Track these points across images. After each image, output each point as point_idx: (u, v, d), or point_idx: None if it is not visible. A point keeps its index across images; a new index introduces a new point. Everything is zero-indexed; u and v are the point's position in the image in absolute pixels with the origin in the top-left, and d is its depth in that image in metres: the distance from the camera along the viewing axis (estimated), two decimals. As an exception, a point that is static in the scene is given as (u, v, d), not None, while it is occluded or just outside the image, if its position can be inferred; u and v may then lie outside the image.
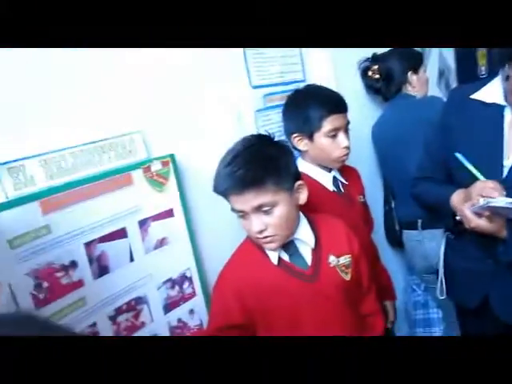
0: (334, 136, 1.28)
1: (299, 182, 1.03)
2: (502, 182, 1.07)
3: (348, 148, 1.31)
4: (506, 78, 1.05)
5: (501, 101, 1.12)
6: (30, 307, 0.86)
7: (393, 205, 1.91)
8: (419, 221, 1.72)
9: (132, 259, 1.05)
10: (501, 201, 0.95)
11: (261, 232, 0.97)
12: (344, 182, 1.40)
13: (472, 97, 1.17)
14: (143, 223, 1.07)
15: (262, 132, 1.33)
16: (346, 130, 1.32)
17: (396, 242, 1.93)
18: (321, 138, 1.28)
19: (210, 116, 1.24)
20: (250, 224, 0.97)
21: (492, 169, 1.10)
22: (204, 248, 1.23)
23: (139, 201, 1.06)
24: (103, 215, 1.00)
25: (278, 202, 0.96)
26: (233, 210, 0.99)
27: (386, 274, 1.56)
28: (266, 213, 0.96)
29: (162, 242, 1.11)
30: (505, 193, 1.01)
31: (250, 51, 1.36)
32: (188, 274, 1.17)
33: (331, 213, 1.21)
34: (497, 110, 1.13)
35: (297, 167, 1.07)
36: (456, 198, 1.14)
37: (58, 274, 0.92)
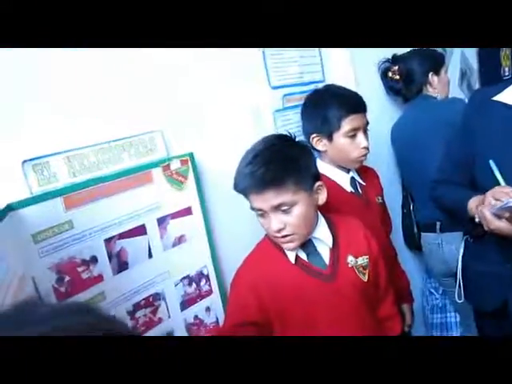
0: (353, 136, 1.28)
1: (319, 183, 1.04)
2: (524, 185, 1.06)
3: (367, 148, 1.31)
4: None
5: (525, 102, 1.10)
6: (52, 300, 0.88)
7: (411, 207, 1.89)
8: (438, 223, 1.70)
9: (151, 256, 1.07)
10: None
11: (279, 231, 0.98)
12: (362, 182, 1.40)
13: (494, 99, 1.15)
14: (162, 221, 1.09)
15: (281, 132, 1.35)
16: (365, 131, 1.32)
17: (414, 244, 1.91)
18: (340, 138, 1.28)
19: (229, 116, 1.26)
20: (269, 223, 0.98)
21: None
22: (221, 246, 1.24)
23: (158, 198, 1.08)
24: (123, 212, 1.02)
25: (297, 202, 0.97)
26: (252, 208, 1.00)
27: (404, 276, 1.55)
28: (285, 212, 0.97)
29: (180, 240, 1.13)
30: None
31: (269, 51, 1.37)
32: (205, 272, 1.19)
33: (349, 213, 1.21)
34: None
35: (317, 168, 1.07)
36: (473, 203, 1.13)
37: (79, 269, 0.94)
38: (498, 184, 1.07)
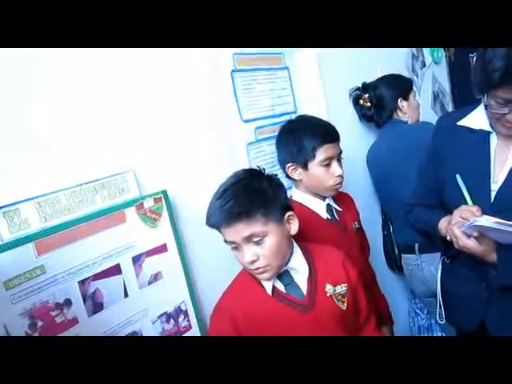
0: (328, 165, 1.32)
1: (289, 213, 1.06)
2: (491, 206, 1.09)
3: (341, 176, 1.34)
4: (486, 107, 1.08)
5: (487, 127, 1.14)
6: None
7: (391, 229, 1.92)
8: (416, 245, 1.73)
9: (126, 295, 1.07)
10: (486, 220, 0.96)
11: (253, 262, 1.00)
12: (338, 209, 1.42)
13: (459, 123, 1.20)
14: (137, 259, 1.09)
15: (255, 164, 1.38)
16: (339, 159, 1.36)
17: (396, 266, 1.93)
18: (315, 167, 1.31)
19: (202, 151, 1.28)
20: (242, 255, 1.00)
21: (481, 194, 1.11)
22: (199, 281, 1.25)
23: (133, 237, 1.09)
24: (97, 253, 1.02)
25: (268, 233, 0.99)
26: (225, 241, 1.02)
27: (382, 299, 1.56)
28: (257, 243, 0.99)
29: (156, 277, 1.13)
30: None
31: (240, 87, 1.41)
32: (183, 307, 1.19)
33: (326, 241, 1.23)
34: (483, 136, 1.15)
35: (286, 199, 1.09)
36: (443, 223, 1.17)
37: (53, 313, 0.94)
38: (466, 203, 1.10)
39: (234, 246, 1.01)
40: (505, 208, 1.06)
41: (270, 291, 1.05)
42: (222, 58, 1.36)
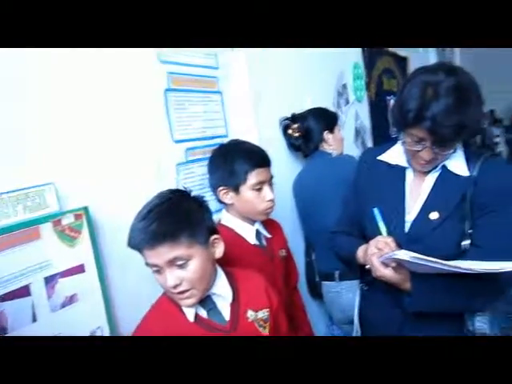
0: (259, 189, 1.33)
1: (215, 236, 1.05)
2: (406, 236, 1.16)
3: (273, 201, 1.36)
4: (403, 143, 1.17)
5: (403, 163, 1.23)
6: None
7: (313, 257, 1.97)
8: (337, 272, 1.79)
9: (35, 319, 0.98)
10: (404, 254, 1.02)
11: (175, 287, 0.96)
12: (267, 235, 1.44)
13: (379, 158, 1.28)
14: (50, 280, 1.01)
15: (184, 185, 1.35)
16: (271, 184, 1.38)
17: (316, 293, 1.97)
18: (246, 191, 1.32)
19: (129, 169, 1.24)
20: (165, 279, 0.96)
21: (396, 225, 1.18)
22: (118, 305, 1.18)
23: (47, 256, 1.01)
24: (6, 272, 0.93)
25: (192, 256, 0.97)
26: (147, 264, 0.97)
27: (308, 325, 1.59)
28: (181, 267, 0.96)
29: (71, 300, 1.05)
30: (395, 248, 1.09)
31: (173, 107, 1.39)
32: (99, 333, 1.11)
33: (252, 266, 1.23)
34: (400, 171, 1.24)
35: (213, 221, 1.08)
36: (361, 252, 1.23)
37: None
38: (382, 234, 1.16)
39: (155, 269, 0.97)
40: (418, 238, 1.14)
41: (191, 318, 1.02)
42: (155, 75, 1.34)
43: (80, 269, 1.07)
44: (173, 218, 0.95)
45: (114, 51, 1.20)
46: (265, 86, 1.82)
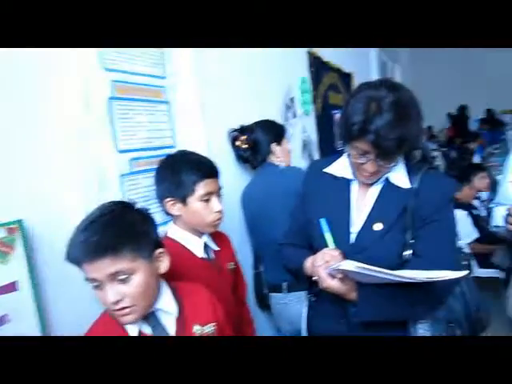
0: (208, 200, 1.31)
1: (160, 250, 1.02)
2: (351, 247, 1.18)
3: (221, 212, 1.34)
4: (348, 155, 1.20)
5: (348, 175, 1.26)
6: None
7: (261, 268, 1.96)
8: (284, 284, 1.79)
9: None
10: (350, 264, 1.04)
11: (117, 303, 0.92)
12: (215, 248, 1.42)
13: (325, 170, 1.30)
14: (-24, 299, 0.93)
15: (128, 197, 1.31)
16: (219, 195, 1.36)
17: (265, 304, 1.97)
18: (194, 202, 1.29)
19: (68, 179, 1.17)
20: (105, 294, 0.91)
21: (342, 236, 1.20)
22: (54, 326, 1.10)
23: (-26, 273, 0.93)
24: None
25: (135, 270, 0.93)
26: (87, 279, 0.92)
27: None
28: (123, 282, 0.92)
29: (1, 321, 0.97)
30: (341, 260, 1.11)
31: (117, 116, 1.35)
32: (33, 356, 1.03)
33: (199, 280, 1.21)
34: (345, 183, 1.26)
35: (157, 235, 1.05)
36: (308, 263, 1.24)
37: None
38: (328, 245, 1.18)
39: (95, 284, 0.92)
40: (362, 249, 1.16)
41: (135, 335, 0.97)
42: (99, 83, 1.29)
43: (12, 287, 1.00)
44: (115, 230, 0.91)
45: (56, 56, 1.14)
46: (213, 97, 1.81)
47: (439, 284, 1.05)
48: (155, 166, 1.37)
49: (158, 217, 1.36)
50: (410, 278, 0.99)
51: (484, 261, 2.98)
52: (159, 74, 1.57)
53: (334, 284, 1.11)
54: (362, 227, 1.20)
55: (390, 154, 1.10)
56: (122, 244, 0.91)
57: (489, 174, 3.37)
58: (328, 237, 1.18)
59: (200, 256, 1.36)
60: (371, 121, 1.05)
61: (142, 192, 1.42)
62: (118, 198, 1.26)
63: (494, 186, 2.94)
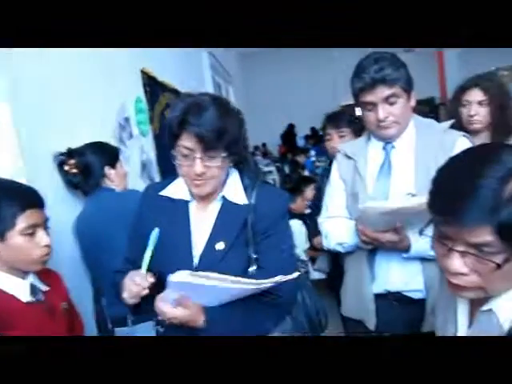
0: (32, 234, 1.18)
1: None
2: (195, 270, 1.14)
3: (49, 246, 1.22)
4: (178, 167, 1.20)
5: (186, 196, 1.24)
6: None
7: (103, 302, 1.81)
8: (129, 316, 1.68)
9: None
10: (183, 274, 1.01)
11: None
12: (44, 288, 1.28)
13: (161, 193, 1.26)
14: None
15: None
16: (46, 228, 1.24)
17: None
18: (15, 236, 1.16)
19: None
20: None
21: (184, 260, 1.17)
22: None
23: None
24: None
25: None
26: None
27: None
28: None
29: None
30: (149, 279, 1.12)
31: None
32: None
33: (27, 327, 1.11)
34: (183, 205, 1.24)
35: None
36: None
37: None
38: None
39: None
40: (206, 270, 1.13)
41: None
42: None
43: None
44: None
45: None
46: (33, 119, 1.61)
47: (284, 294, 1.13)
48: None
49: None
50: (248, 283, 1.03)
51: (318, 265, 3.26)
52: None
53: (178, 312, 1.07)
54: (204, 248, 1.19)
55: (214, 147, 1.11)
56: None
57: (318, 186, 3.70)
58: (147, 255, 1.14)
59: (26, 300, 1.20)
60: (193, 113, 1.09)
61: None
62: None
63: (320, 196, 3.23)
